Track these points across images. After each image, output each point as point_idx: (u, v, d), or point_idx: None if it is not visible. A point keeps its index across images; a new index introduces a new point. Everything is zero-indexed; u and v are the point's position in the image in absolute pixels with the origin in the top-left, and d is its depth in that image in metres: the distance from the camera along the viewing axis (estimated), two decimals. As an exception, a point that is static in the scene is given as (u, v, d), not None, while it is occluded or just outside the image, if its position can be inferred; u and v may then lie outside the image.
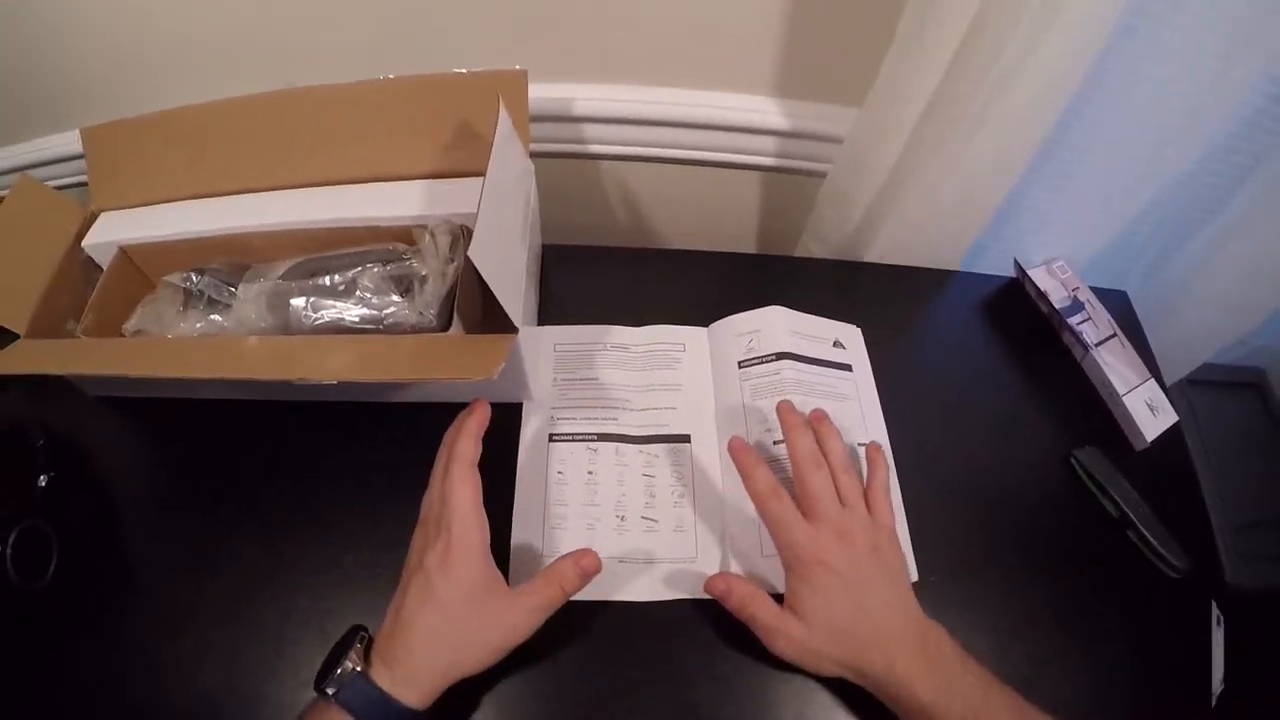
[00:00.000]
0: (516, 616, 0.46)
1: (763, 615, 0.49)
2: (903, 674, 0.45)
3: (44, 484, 0.57)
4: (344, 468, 0.60)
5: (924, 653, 0.46)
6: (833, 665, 0.47)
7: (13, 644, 0.52)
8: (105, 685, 0.51)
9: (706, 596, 0.53)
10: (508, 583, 0.51)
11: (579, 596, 0.50)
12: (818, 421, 0.56)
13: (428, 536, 0.47)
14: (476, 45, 0.68)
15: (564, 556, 0.48)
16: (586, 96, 0.72)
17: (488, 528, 0.48)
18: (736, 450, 0.54)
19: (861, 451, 0.59)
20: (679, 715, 0.50)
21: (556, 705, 0.50)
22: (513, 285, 0.52)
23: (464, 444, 0.49)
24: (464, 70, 0.59)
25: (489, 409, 0.52)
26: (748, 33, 0.66)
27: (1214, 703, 0.50)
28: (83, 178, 0.63)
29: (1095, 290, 0.72)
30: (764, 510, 0.51)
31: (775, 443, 0.59)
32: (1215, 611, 0.54)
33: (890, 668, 0.45)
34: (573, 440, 0.60)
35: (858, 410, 0.63)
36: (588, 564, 0.48)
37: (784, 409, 0.56)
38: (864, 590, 0.48)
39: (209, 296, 0.59)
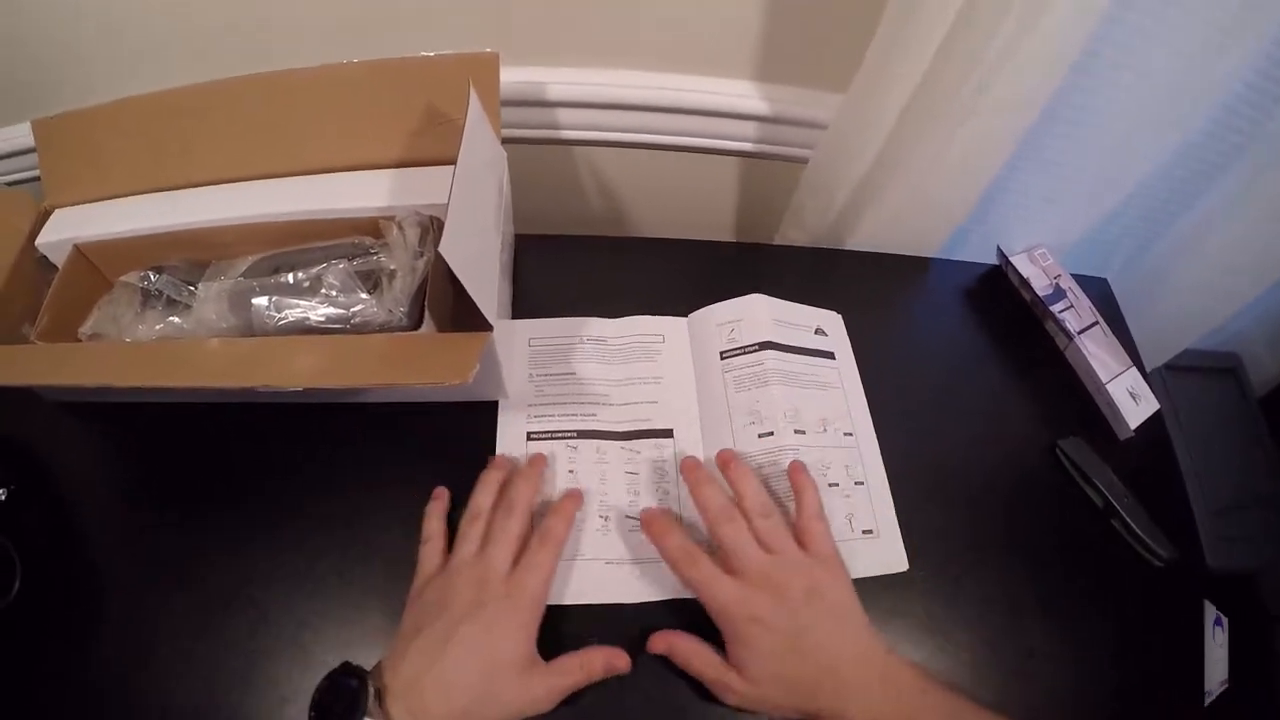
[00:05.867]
0: (540, 693, 0.46)
1: (708, 671, 0.47)
2: (859, 715, 0.44)
3: (3, 498, 0.54)
4: (316, 471, 0.57)
5: (881, 688, 0.45)
6: (788, 711, 0.46)
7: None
8: (79, 704, 0.49)
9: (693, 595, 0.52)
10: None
11: (565, 602, 0.51)
12: (725, 465, 0.54)
13: (485, 587, 0.47)
14: (446, 27, 0.65)
15: (600, 649, 0.48)
16: (560, 80, 0.69)
17: None
18: (646, 522, 0.52)
19: (793, 468, 0.55)
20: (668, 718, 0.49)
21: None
22: (487, 280, 0.50)
23: (560, 526, 0.51)
24: (432, 53, 0.57)
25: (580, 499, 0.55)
26: (729, 15, 0.64)
27: (1208, 701, 0.50)
28: (35, 172, 0.60)
29: (1076, 278, 0.71)
30: (683, 578, 0.49)
31: (760, 435, 0.57)
32: (1215, 613, 0.54)
33: (845, 711, 0.44)
34: (552, 439, 0.59)
35: (842, 398, 0.62)
36: (620, 665, 0.48)
37: (686, 466, 0.55)
38: (804, 638, 0.46)
39: (168, 296, 0.56)
